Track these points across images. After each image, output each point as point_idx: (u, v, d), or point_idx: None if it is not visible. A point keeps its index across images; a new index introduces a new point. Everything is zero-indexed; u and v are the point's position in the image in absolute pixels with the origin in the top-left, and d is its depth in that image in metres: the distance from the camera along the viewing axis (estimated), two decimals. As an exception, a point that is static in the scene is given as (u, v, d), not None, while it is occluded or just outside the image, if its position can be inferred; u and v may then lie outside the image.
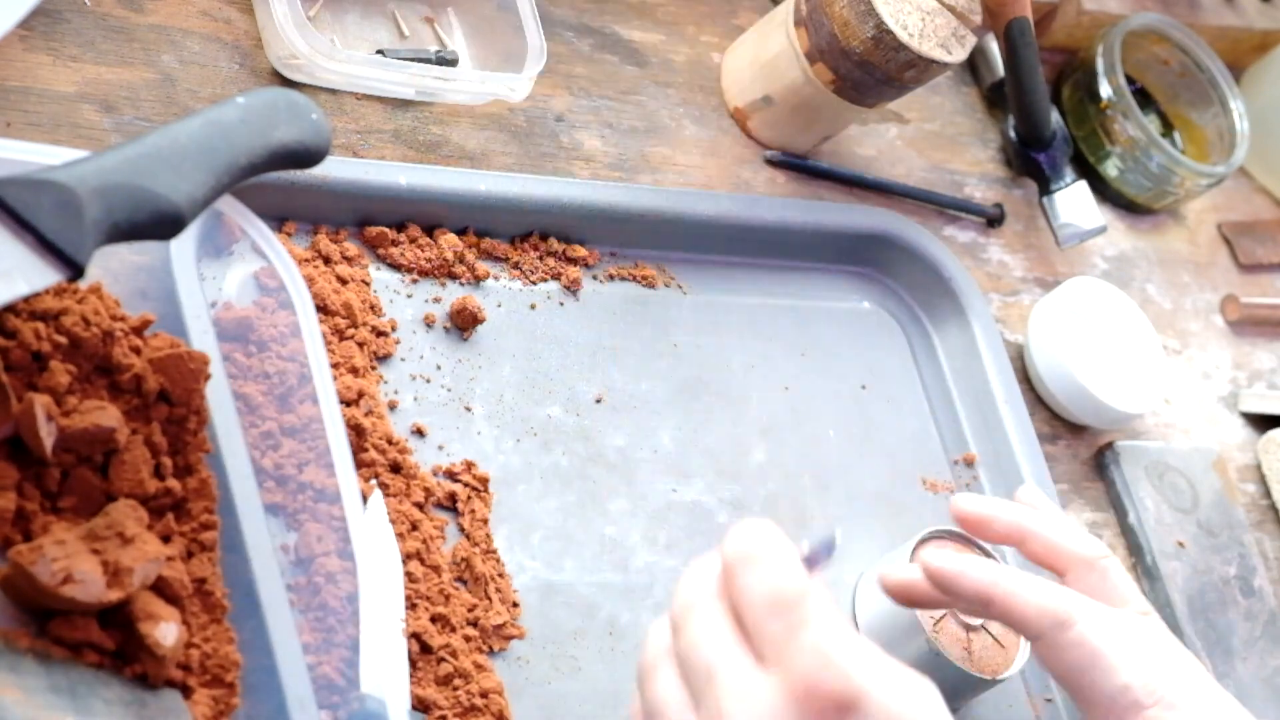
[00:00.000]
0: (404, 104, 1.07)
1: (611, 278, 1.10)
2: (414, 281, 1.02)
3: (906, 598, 0.96)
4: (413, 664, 0.89)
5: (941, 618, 1.04)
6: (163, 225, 0.81)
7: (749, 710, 0.68)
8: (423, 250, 1.03)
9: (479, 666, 0.91)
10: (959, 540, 1.07)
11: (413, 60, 1.07)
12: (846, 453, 1.12)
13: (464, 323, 1.02)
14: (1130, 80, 1.37)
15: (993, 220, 1.30)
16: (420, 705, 0.88)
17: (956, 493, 1.10)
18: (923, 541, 1.06)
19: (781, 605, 0.69)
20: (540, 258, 1.07)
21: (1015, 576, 0.92)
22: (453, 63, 1.09)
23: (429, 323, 1.01)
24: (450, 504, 0.96)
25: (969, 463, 1.16)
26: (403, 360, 0.99)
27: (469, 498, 0.96)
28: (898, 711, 0.68)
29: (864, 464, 1.12)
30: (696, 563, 0.74)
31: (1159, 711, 0.89)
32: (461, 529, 0.95)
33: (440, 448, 0.98)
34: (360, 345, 0.97)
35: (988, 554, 1.08)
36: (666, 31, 1.22)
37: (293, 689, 0.81)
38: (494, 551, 0.96)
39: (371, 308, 0.99)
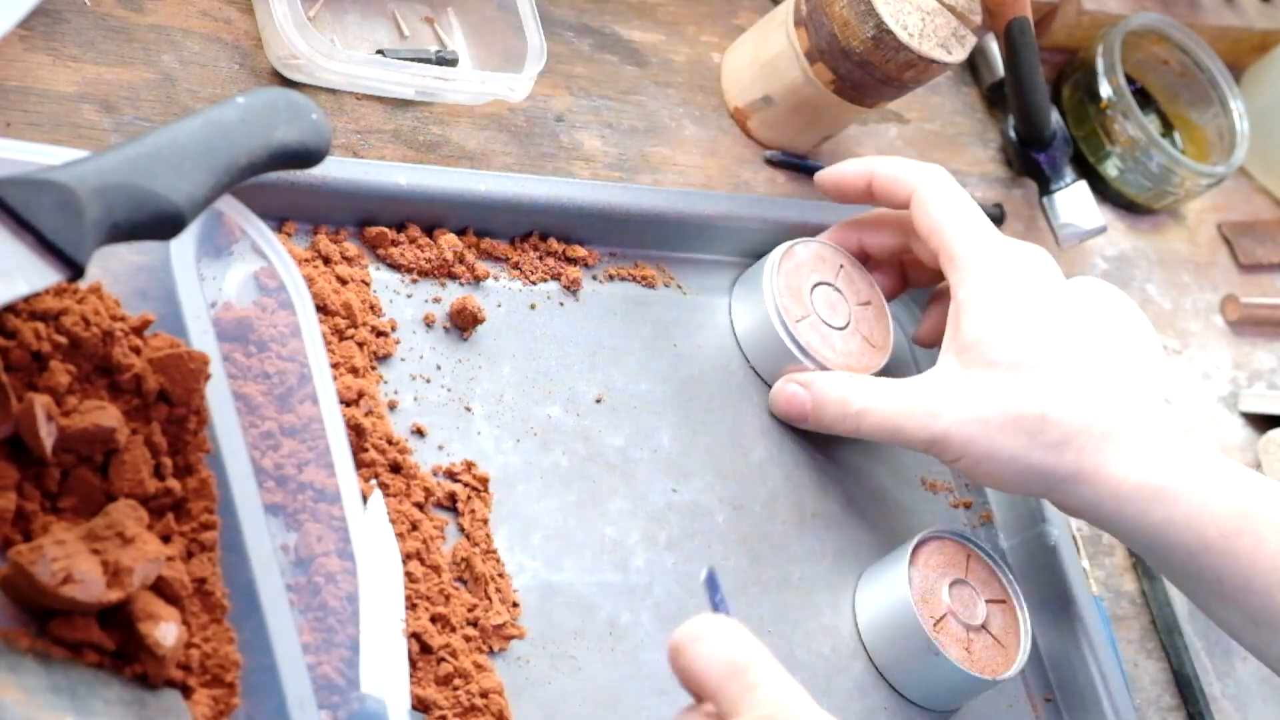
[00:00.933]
0: (404, 104, 1.07)
1: (611, 278, 1.10)
2: (414, 281, 1.02)
3: (837, 192, 1.11)
4: (413, 664, 0.89)
5: (941, 618, 1.04)
6: (163, 225, 0.81)
7: None
8: (423, 250, 1.03)
9: (479, 666, 0.91)
10: (958, 540, 1.07)
11: (413, 60, 1.07)
12: (846, 453, 1.12)
13: (464, 323, 1.02)
14: (1130, 80, 1.37)
15: (993, 220, 1.30)
16: (420, 705, 0.88)
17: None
18: (923, 541, 1.06)
19: (735, 669, 0.79)
20: (540, 258, 1.07)
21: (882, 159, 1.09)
22: (453, 63, 1.09)
23: (429, 323, 1.01)
24: (450, 504, 0.96)
25: (969, 463, 1.16)
26: (403, 360, 0.99)
27: (469, 498, 0.96)
28: None
29: (864, 464, 1.12)
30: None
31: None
32: (461, 529, 0.95)
33: (440, 448, 0.98)
34: (360, 345, 0.97)
35: (987, 553, 1.08)
36: (666, 31, 1.22)
37: (293, 689, 0.81)
38: (494, 551, 0.96)
39: (371, 308, 0.99)
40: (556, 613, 0.97)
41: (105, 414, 0.81)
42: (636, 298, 1.10)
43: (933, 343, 1.10)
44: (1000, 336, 1.01)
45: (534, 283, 1.06)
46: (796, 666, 1.03)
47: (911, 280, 1.14)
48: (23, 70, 0.95)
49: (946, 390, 1.01)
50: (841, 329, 1.11)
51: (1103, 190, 1.36)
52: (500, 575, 0.95)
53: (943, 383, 1.02)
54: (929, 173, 1.07)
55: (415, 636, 0.90)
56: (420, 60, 1.07)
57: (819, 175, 1.11)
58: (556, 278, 1.07)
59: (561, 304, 1.07)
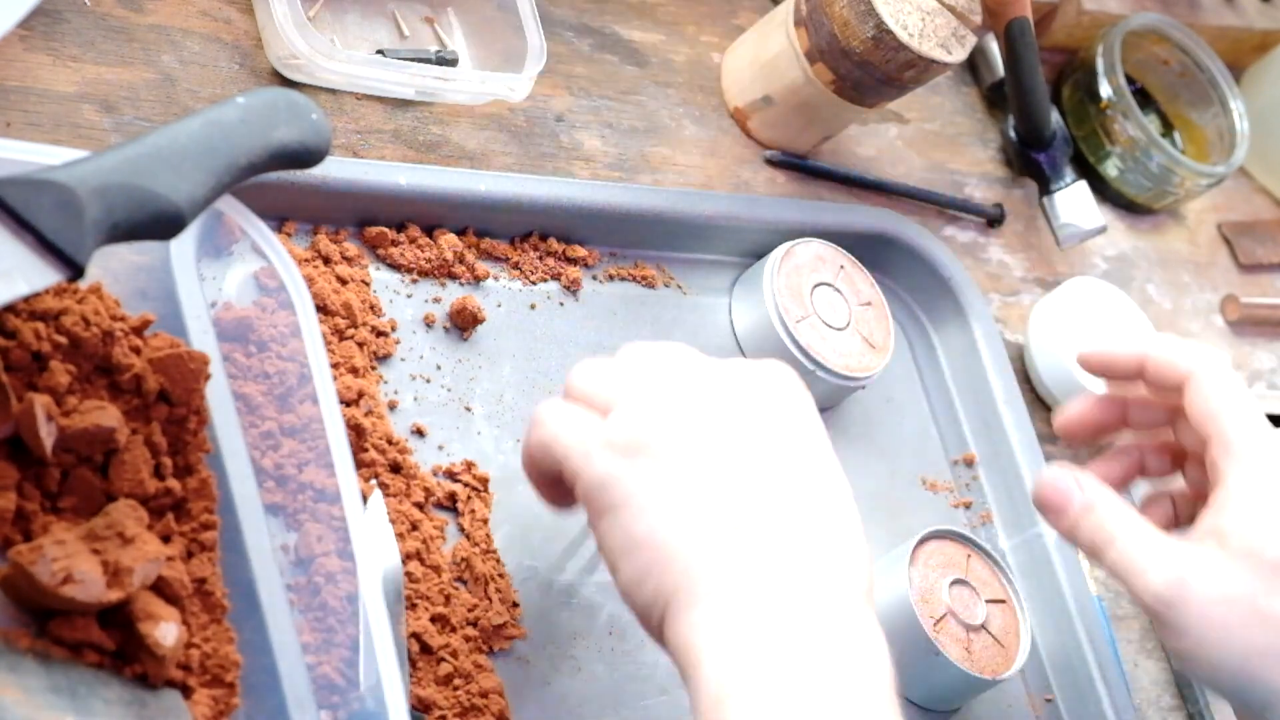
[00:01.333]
0: (404, 104, 1.07)
1: (611, 278, 1.10)
2: (414, 281, 1.02)
3: (1105, 371, 1.03)
4: (413, 664, 0.89)
5: (942, 617, 1.04)
6: (163, 225, 0.81)
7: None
8: (423, 250, 1.03)
9: (479, 666, 0.91)
10: (958, 540, 1.07)
11: (413, 60, 1.07)
12: (847, 453, 1.12)
13: (464, 323, 1.02)
14: (1130, 80, 1.37)
15: (993, 220, 1.30)
16: (420, 705, 0.88)
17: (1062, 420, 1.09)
18: (922, 541, 1.06)
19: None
20: (540, 258, 1.07)
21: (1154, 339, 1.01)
22: (453, 63, 1.09)
23: (429, 323, 1.01)
24: (450, 504, 0.96)
25: (969, 463, 1.16)
26: (403, 360, 0.99)
27: (469, 498, 0.96)
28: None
29: (864, 464, 1.12)
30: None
31: None
32: (461, 529, 0.95)
33: (440, 448, 0.98)
34: (360, 345, 0.97)
35: (987, 553, 1.08)
36: (666, 31, 1.22)
37: (293, 689, 0.81)
38: (494, 551, 0.96)
39: (371, 308, 0.99)
40: (556, 613, 0.96)
41: (105, 414, 0.81)
42: (636, 298, 1.10)
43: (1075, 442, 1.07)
44: (1274, 535, 0.95)
45: (534, 283, 1.06)
46: (796, 666, 1.03)
47: (1149, 469, 1.06)
48: (23, 70, 0.95)
49: (1202, 566, 0.95)
50: (841, 329, 1.11)
51: (1103, 190, 1.36)
52: (500, 575, 0.95)
53: (1199, 558, 0.95)
54: (1207, 357, 1.00)
55: (415, 636, 0.90)
56: (420, 60, 1.07)
57: (1082, 355, 1.03)
58: (556, 278, 1.07)
59: (561, 304, 1.07)
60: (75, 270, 0.78)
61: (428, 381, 0.99)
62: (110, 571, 0.77)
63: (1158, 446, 1.04)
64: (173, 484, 0.83)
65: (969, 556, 1.07)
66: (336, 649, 0.84)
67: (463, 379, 1.01)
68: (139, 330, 0.85)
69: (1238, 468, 0.96)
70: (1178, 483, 1.05)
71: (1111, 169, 1.36)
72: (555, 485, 0.88)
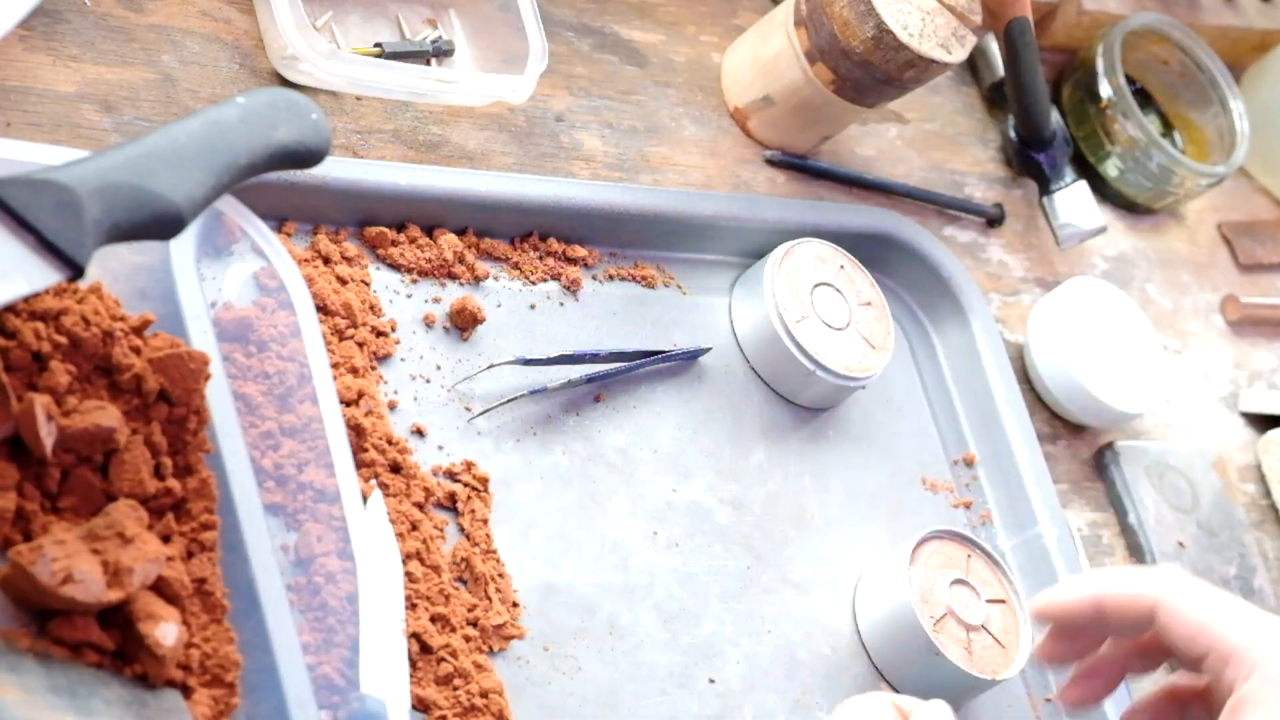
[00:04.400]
0: (404, 104, 1.07)
1: (611, 278, 1.10)
2: (414, 281, 1.02)
3: (1062, 621, 0.94)
4: (413, 664, 0.89)
5: (942, 617, 1.04)
6: (163, 225, 0.81)
7: None
8: (422, 250, 1.03)
9: (479, 666, 0.91)
10: (958, 540, 1.07)
11: (411, 53, 1.07)
12: (847, 452, 1.12)
13: (464, 323, 1.02)
14: (1130, 80, 1.37)
15: (993, 220, 1.30)
16: (420, 705, 0.88)
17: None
18: (923, 541, 1.06)
19: None
20: (540, 258, 1.07)
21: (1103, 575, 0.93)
22: (449, 53, 1.09)
23: (429, 323, 1.01)
24: (450, 504, 0.96)
25: (969, 463, 1.16)
26: (402, 360, 0.99)
27: (469, 498, 0.96)
28: None
29: (864, 464, 1.12)
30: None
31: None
32: (461, 529, 0.96)
33: (440, 448, 0.98)
34: (360, 345, 0.97)
35: (987, 553, 1.08)
36: (666, 31, 1.22)
37: (293, 689, 0.81)
38: (494, 551, 0.96)
39: (371, 308, 0.99)
40: (556, 613, 0.97)
41: (105, 414, 0.81)
42: (636, 298, 1.10)
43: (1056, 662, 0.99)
44: None
45: (534, 283, 1.06)
46: (797, 666, 1.03)
47: (1133, 669, 0.99)
48: (23, 70, 0.95)
49: None
50: (841, 329, 1.11)
51: (1103, 190, 1.36)
52: (500, 575, 0.95)
53: None
54: (1166, 579, 0.93)
55: (415, 636, 0.90)
56: (418, 52, 1.08)
57: (1033, 607, 0.95)
58: (556, 278, 1.07)
59: (561, 304, 1.07)
60: (75, 270, 0.78)
61: (427, 381, 0.99)
62: (110, 571, 0.77)
63: (1140, 648, 0.97)
64: (173, 484, 0.83)
65: (969, 556, 1.07)
66: (336, 649, 0.84)
67: (463, 379, 1.01)
68: (139, 330, 0.85)
69: (1248, 673, 0.90)
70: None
71: (1111, 169, 1.36)
72: None
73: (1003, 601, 1.07)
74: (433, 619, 0.91)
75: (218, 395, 0.85)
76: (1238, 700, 0.89)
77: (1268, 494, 1.32)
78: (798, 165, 1.21)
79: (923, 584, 1.04)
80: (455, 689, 0.90)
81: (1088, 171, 1.35)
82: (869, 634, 1.05)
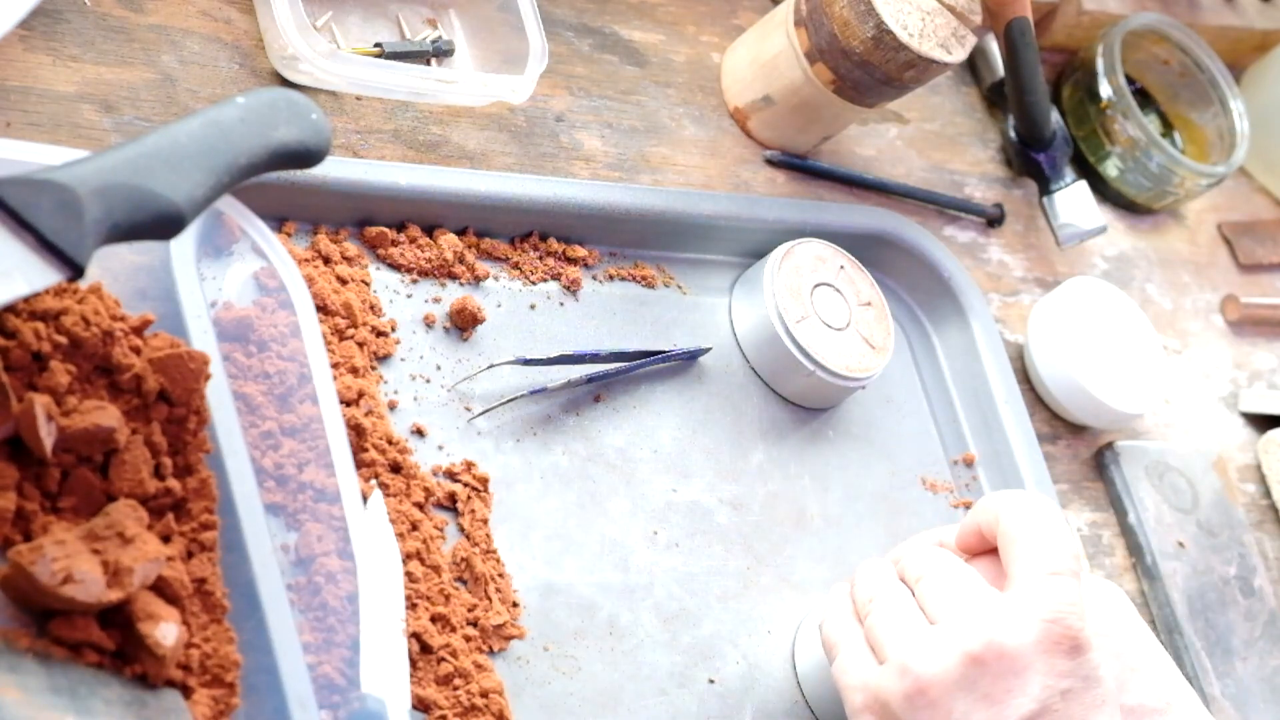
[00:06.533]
0: (404, 104, 1.07)
1: (611, 278, 1.10)
2: (414, 281, 1.02)
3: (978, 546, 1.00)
4: (413, 664, 0.89)
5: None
6: (163, 225, 0.81)
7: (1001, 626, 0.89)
8: (423, 250, 1.03)
9: (479, 666, 0.91)
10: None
11: (411, 53, 1.07)
12: (847, 452, 1.12)
13: (464, 323, 1.02)
14: (1130, 80, 1.37)
15: (993, 220, 1.30)
16: (420, 705, 0.88)
17: (955, 495, 1.13)
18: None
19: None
20: (540, 258, 1.07)
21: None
22: (449, 53, 1.09)
23: (429, 323, 1.01)
24: (450, 504, 0.96)
25: (969, 463, 1.17)
26: (403, 360, 0.99)
27: (469, 498, 0.96)
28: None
29: (864, 464, 1.12)
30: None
31: None
32: (461, 529, 0.96)
33: (440, 448, 0.98)
34: (360, 345, 0.97)
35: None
36: (666, 31, 1.22)
37: (293, 689, 0.81)
38: (494, 551, 0.96)
39: (371, 308, 0.99)
40: (556, 613, 0.97)
41: (105, 414, 0.81)
42: (636, 298, 1.10)
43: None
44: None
45: (534, 283, 1.06)
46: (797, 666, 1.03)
47: None
48: (23, 70, 0.95)
49: None
50: (841, 329, 1.11)
51: (1103, 190, 1.36)
52: (500, 575, 0.95)
53: None
54: (1012, 495, 0.97)
55: (415, 636, 0.90)
56: (418, 53, 1.08)
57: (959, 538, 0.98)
58: (556, 278, 1.07)
59: (561, 304, 1.07)
60: (75, 270, 0.78)
61: (427, 381, 0.99)
62: (110, 571, 0.77)
63: None
64: (173, 484, 0.83)
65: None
66: (336, 649, 0.84)
67: (463, 379, 1.01)
68: (139, 330, 0.85)
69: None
70: None
71: (1111, 169, 1.36)
72: None
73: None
74: (433, 619, 0.91)
75: (218, 395, 0.85)
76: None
77: (1268, 494, 1.32)
78: (798, 165, 1.21)
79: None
80: (455, 689, 0.90)
81: (1088, 171, 1.35)
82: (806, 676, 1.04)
